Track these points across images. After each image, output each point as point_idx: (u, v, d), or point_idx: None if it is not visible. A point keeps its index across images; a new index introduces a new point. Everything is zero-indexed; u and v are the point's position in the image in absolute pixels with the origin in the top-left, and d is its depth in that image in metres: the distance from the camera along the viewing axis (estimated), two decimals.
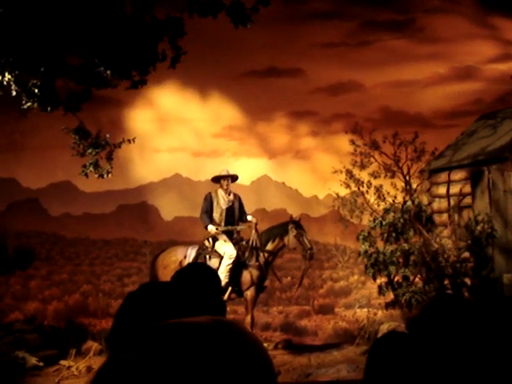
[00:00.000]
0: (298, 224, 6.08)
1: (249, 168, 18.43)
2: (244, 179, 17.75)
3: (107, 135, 6.47)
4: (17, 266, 6.89)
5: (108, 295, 12.43)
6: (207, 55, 16.19)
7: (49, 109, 6.02)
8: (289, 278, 12.50)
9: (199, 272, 1.87)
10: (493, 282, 5.11)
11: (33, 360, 5.78)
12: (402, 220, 6.18)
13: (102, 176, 6.36)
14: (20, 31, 5.53)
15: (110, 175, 6.43)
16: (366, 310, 7.91)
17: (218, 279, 1.95)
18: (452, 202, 6.66)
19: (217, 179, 6.25)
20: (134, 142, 6.57)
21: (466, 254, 5.50)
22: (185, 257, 6.15)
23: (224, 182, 6.17)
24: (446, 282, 5.45)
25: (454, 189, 6.98)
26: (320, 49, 15.99)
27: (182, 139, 19.03)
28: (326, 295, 12.68)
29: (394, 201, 7.00)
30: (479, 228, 5.44)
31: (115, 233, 16.46)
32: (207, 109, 17.94)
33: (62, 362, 5.86)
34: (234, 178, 6.38)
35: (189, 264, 2.27)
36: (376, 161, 7.67)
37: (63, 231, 16.93)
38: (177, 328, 0.79)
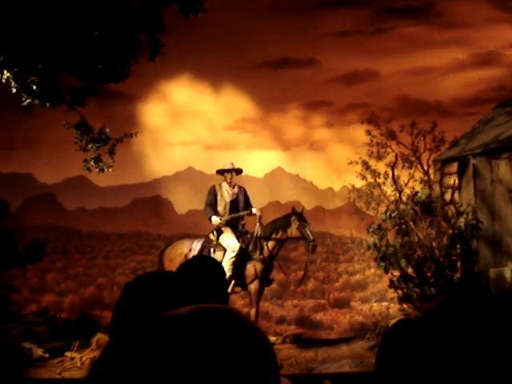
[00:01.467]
0: (300, 216, 6.03)
1: (262, 160, 18.29)
2: (257, 172, 17.60)
3: (107, 130, 6.46)
4: (28, 260, 6.99)
5: (123, 288, 12.46)
6: (219, 47, 16.06)
7: (47, 104, 6.01)
8: (303, 272, 12.38)
9: (203, 264, 1.86)
10: (476, 276, 4.83)
11: (39, 351, 5.83)
12: (411, 211, 6.01)
13: (102, 170, 6.37)
14: (17, 29, 5.49)
15: (110, 169, 6.43)
16: (383, 304, 7.77)
17: (222, 271, 1.93)
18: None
19: (221, 172, 6.25)
20: (136, 136, 6.55)
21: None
22: (190, 250, 6.19)
23: (228, 175, 6.17)
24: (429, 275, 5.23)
25: None
26: (334, 38, 15.70)
27: (195, 132, 18.94)
28: (341, 289, 12.53)
29: (411, 192, 6.83)
30: (462, 220, 5.17)
31: (129, 226, 16.52)
32: (220, 101, 17.83)
33: (67, 354, 5.88)
34: (239, 171, 6.36)
35: (193, 257, 2.27)
36: (393, 151, 7.48)
37: (78, 225, 17.04)
38: (158, 322, 0.79)
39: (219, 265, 2.02)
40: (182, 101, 17.20)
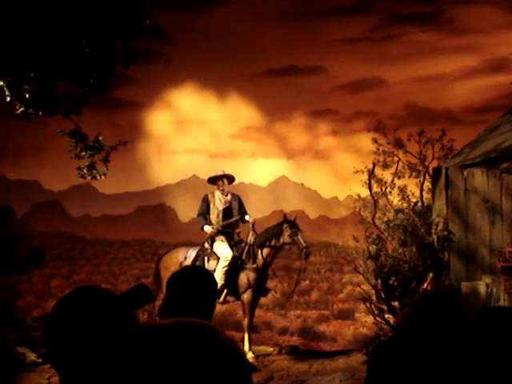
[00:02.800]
0: (292, 223, 5.98)
1: (266, 169, 18.30)
2: (261, 180, 17.62)
3: (100, 138, 6.50)
4: (28, 265, 7.02)
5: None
6: (225, 55, 16.16)
7: (40, 113, 6.05)
8: (307, 282, 12.32)
9: (190, 275, 1.89)
10: (446, 289, 4.59)
11: (32, 356, 5.80)
12: (410, 221, 5.91)
13: (95, 178, 6.42)
14: (9, 38, 5.57)
15: (103, 177, 6.49)
16: (386, 316, 7.70)
17: (211, 282, 1.93)
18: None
19: (212, 180, 6.19)
20: (125, 144, 6.63)
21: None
22: (185, 258, 6.12)
23: (219, 183, 6.10)
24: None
25: None
26: (341, 45, 15.70)
27: (200, 141, 18.99)
28: (345, 300, 12.45)
29: (416, 202, 6.78)
30: (432, 231, 4.99)
31: (133, 234, 16.56)
32: (225, 110, 17.88)
33: None
34: (231, 178, 6.32)
35: (184, 267, 2.27)
36: (400, 160, 7.43)
37: (83, 232, 17.11)
38: (145, 330, 0.86)
39: (209, 275, 2.00)
40: (188, 109, 17.34)
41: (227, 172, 6.19)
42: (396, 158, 7.40)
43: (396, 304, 4.77)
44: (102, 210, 16.65)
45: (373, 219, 5.05)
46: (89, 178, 6.34)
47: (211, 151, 17.15)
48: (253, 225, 6.01)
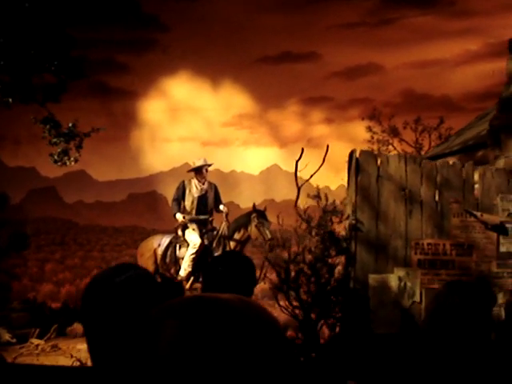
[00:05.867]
0: (261, 213, 5.93)
1: (258, 157, 18.60)
2: (253, 169, 17.95)
3: (70, 124, 6.67)
4: (12, 249, 7.32)
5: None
6: (220, 43, 16.38)
7: (10, 100, 6.20)
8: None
9: (227, 260, 1.93)
10: (347, 281, 4.10)
11: (6, 336, 6.14)
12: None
13: (65, 164, 6.62)
14: None
15: (73, 163, 6.69)
16: None
17: (246, 267, 1.94)
18: None
19: (197, 169, 6.18)
20: (98, 131, 6.79)
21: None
22: (159, 245, 6.12)
23: (203, 172, 6.09)
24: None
25: None
26: (337, 30, 15.71)
27: (193, 129, 19.31)
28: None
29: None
30: (336, 219, 4.64)
31: (125, 221, 16.98)
32: (218, 97, 18.17)
33: (32, 340, 6.20)
34: (209, 164, 6.36)
35: (222, 252, 2.33)
36: (395, 149, 7.22)
37: (77, 218, 17.46)
38: (208, 301, 0.84)
39: (246, 261, 1.99)
40: (181, 97, 17.65)
41: (208, 161, 6.24)
42: (391, 147, 7.15)
43: (293, 293, 4.48)
44: (95, 197, 17.01)
45: (295, 206, 4.83)
46: (59, 164, 6.55)
47: (204, 139, 17.38)
48: (226, 214, 6.09)
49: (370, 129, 7.71)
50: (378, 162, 4.24)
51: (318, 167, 5.78)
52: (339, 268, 4.21)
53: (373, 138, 7.71)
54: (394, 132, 7.56)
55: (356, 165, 4.35)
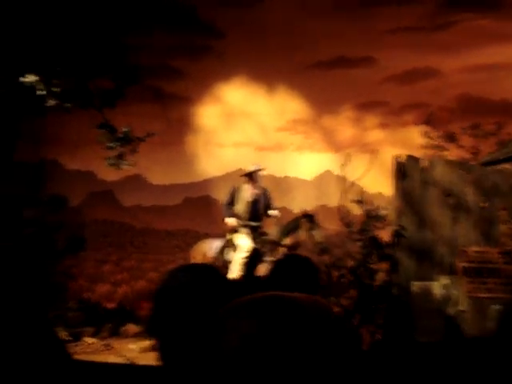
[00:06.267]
0: (310, 218, 5.98)
1: (312, 162, 18.41)
2: (306, 174, 17.80)
3: (124, 129, 6.85)
4: (69, 251, 7.66)
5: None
6: (275, 48, 16.27)
7: (69, 105, 6.42)
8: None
9: (291, 264, 1.92)
10: (390, 288, 4.02)
11: (62, 334, 6.41)
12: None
13: (120, 167, 6.80)
14: (39, 34, 5.99)
15: (127, 167, 6.85)
16: None
17: (310, 270, 1.93)
18: None
19: (250, 174, 6.23)
20: (152, 136, 6.92)
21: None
22: (210, 249, 6.31)
23: (254, 177, 6.13)
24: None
25: None
26: (393, 34, 15.16)
27: (247, 134, 19.37)
28: None
29: None
30: (380, 225, 4.66)
31: (179, 224, 17.27)
32: (273, 102, 18.11)
33: (85, 339, 6.40)
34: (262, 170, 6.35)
35: (287, 255, 2.35)
36: (451, 155, 7.02)
37: (133, 221, 17.97)
38: (280, 299, 0.83)
39: (310, 264, 2.00)
40: (236, 102, 17.72)
41: (261, 165, 6.31)
42: (447, 153, 6.99)
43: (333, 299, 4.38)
44: (151, 201, 17.47)
45: (338, 210, 4.72)
46: (114, 167, 6.77)
47: (258, 144, 17.43)
48: (277, 220, 6.12)
49: (425, 134, 7.47)
50: (423, 167, 4.15)
51: (365, 172, 5.69)
52: (381, 274, 4.12)
53: (428, 143, 7.43)
54: (451, 137, 7.30)
55: (400, 170, 4.32)
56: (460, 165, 4.29)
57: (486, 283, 3.96)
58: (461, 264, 4.03)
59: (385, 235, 4.63)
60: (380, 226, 4.73)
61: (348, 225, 4.73)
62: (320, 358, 0.75)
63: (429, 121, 7.61)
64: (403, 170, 4.16)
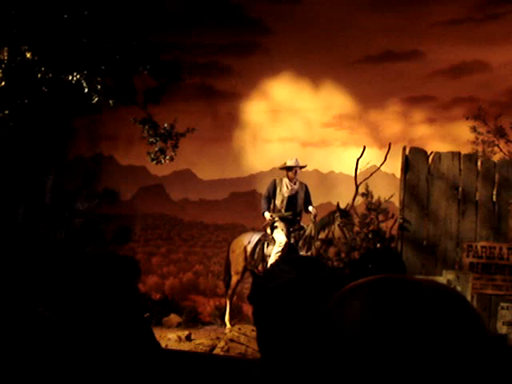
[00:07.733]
0: (344, 213, 5.87)
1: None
2: (351, 169, 17.73)
3: (165, 125, 6.97)
4: (115, 243, 7.95)
5: (217, 276, 13.50)
6: (322, 44, 16.18)
7: (111, 102, 6.64)
8: None
9: (377, 257, 1.91)
10: None
11: None
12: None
13: (160, 162, 6.94)
14: (84, 33, 6.23)
15: (167, 161, 6.99)
16: None
17: (395, 263, 1.92)
18: None
19: (287, 168, 6.26)
20: (192, 131, 7.00)
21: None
22: (249, 242, 6.35)
23: (292, 172, 6.16)
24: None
25: None
26: (441, 27, 14.64)
27: (293, 129, 19.41)
28: None
29: None
30: (381, 218, 4.44)
31: (226, 218, 17.60)
32: (319, 98, 18.04)
33: None
34: (302, 166, 6.38)
35: (370, 249, 2.36)
36: (501, 150, 6.81)
37: (182, 215, 18.47)
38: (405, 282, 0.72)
39: (396, 256, 1.97)
40: (282, 98, 17.84)
41: (300, 161, 6.33)
42: (497, 148, 6.75)
43: None
44: (199, 195, 17.89)
45: (352, 204, 4.58)
46: (155, 162, 6.99)
47: (303, 139, 17.47)
48: (314, 216, 6.12)
49: (474, 129, 7.24)
50: (430, 159, 4.04)
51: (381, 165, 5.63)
52: None
53: (477, 138, 7.22)
54: (501, 132, 7.03)
55: (405, 162, 4.16)
56: (468, 157, 4.11)
57: (495, 279, 3.84)
58: (467, 259, 3.87)
59: (393, 228, 4.58)
60: (383, 219, 4.69)
61: (347, 217, 4.69)
62: (461, 352, 0.61)
63: (478, 115, 7.33)
64: (408, 163, 3.98)
